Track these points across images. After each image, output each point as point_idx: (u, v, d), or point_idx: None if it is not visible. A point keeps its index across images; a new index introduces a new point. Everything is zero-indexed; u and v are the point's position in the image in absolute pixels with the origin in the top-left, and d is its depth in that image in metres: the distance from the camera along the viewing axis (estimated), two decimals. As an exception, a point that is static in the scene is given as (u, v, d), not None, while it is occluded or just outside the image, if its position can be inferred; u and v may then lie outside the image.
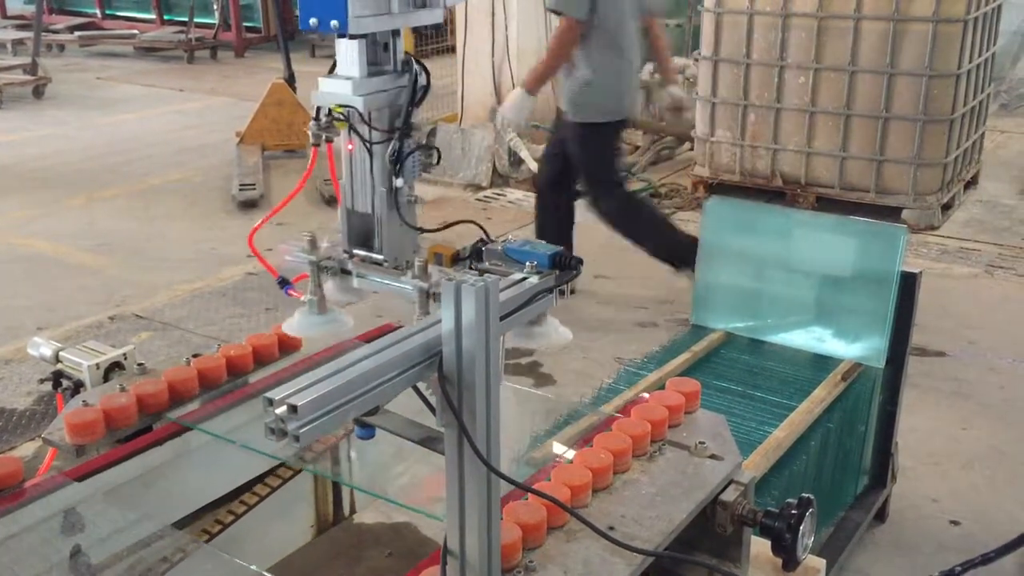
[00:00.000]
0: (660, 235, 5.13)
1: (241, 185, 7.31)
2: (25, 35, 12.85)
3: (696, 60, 7.56)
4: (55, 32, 14.52)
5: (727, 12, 6.68)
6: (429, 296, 1.84)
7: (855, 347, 3.16)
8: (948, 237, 6.33)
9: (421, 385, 1.58)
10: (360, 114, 1.88)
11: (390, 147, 1.95)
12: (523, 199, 7.29)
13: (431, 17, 1.94)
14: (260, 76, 11.46)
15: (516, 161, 7.43)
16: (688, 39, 11.27)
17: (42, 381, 2.41)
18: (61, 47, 14.28)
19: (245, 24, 14.21)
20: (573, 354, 4.74)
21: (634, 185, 7.47)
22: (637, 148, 8.40)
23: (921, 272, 3.11)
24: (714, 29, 6.77)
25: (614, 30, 4.74)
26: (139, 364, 2.38)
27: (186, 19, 13.95)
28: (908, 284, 3.07)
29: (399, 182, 1.96)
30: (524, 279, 1.79)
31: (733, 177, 6.99)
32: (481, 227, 1.96)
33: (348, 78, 1.87)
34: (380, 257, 1.99)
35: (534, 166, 7.29)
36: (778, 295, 3.31)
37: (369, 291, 1.99)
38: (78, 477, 1.94)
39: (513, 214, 6.95)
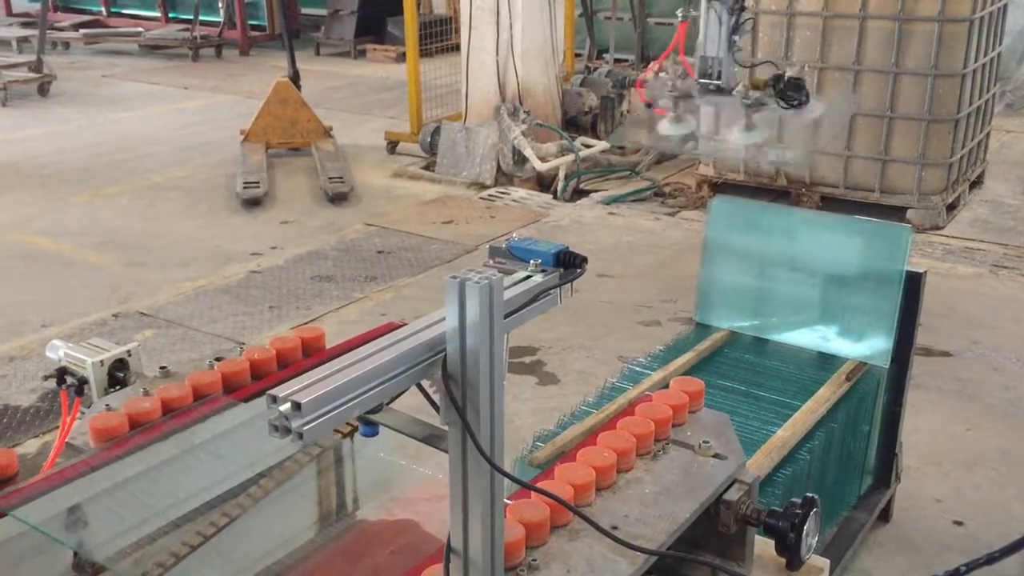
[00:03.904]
0: None
1: (245, 183, 7.32)
2: (30, 33, 12.87)
3: (701, 59, 7.53)
4: (60, 30, 14.53)
5: (732, 11, 6.67)
6: (749, 106, 2.82)
7: (859, 347, 3.16)
8: (953, 237, 6.32)
9: (425, 383, 1.58)
10: None
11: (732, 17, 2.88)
12: (527, 197, 7.29)
13: None
14: (265, 74, 11.47)
15: (520, 160, 7.43)
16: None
17: (46, 378, 2.41)
18: (66, 45, 14.30)
19: (250, 22, 14.22)
20: (576, 353, 4.75)
21: (639, 184, 7.49)
22: (641, 147, 8.40)
23: (926, 272, 3.11)
24: (719, 28, 6.75)
25: None
26: (162, 367, 2.37)
27: (191, 17, 13.96)
28: (913, 284, 3.07)
29: (735, 37, 2.94)
30: (528, 277, 1.78)
31: (738, 176, 6.99)
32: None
33: None
34: (720, 83, 2.89)
35: (539, 164, 7.30)
36: (782, 294, 3.31)
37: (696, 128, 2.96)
38: (78, 475, 1.94)
39: (517, 212, 6.95)
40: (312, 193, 7.45)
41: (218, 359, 2.35)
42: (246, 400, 2.22)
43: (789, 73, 2.94)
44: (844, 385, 3.02)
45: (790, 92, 2.91)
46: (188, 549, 2.05)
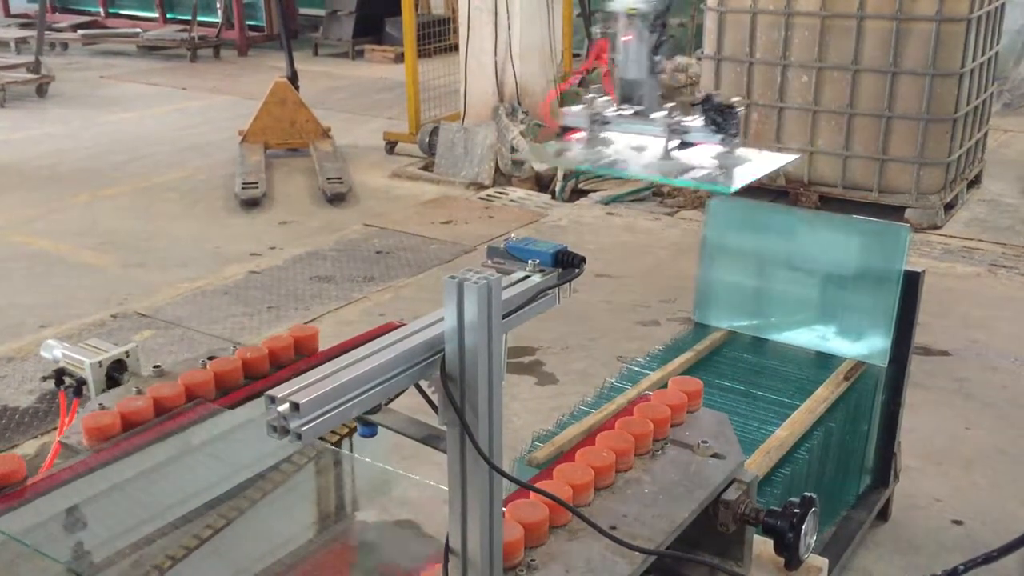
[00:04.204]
0: None
1: (244, 183, 7.32)
2: (29, 34, 12.87)
3: (699, 59, 7.55)
4: (59, 31, 14.53)
5: (730, 11, 6.67)
6: (670, 131, 2.64)
7: (858, 346, 3.16)
8: (951, 236, 6.32)
9: (423, 383, 1.58)
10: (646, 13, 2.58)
11: (654, 35, 2.66)
12: (525, 198, 7.29)
13: None
14: (263, 75, 11.46)
15: (518, 160, 7.43)
16: (691, 38, 11.27)
17: (44, 379, 2.40)
18: (64, 46, 14.29)
19: (248, 23, 14.22)
20: (575, 353, 4.75)
21: (637, 184, 7.48)
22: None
23: (924, 271, 3.11)
24: (717, 28, 6.76)
25: None
26: (155, 366, 2.35)
27: (189, 18, 13.96)
28: (911, 283, 3.07)
29: (658, 57, 2.72)
30: (526, 277, 1.78)
31: (736, 176, 6.98)
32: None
33: None
34: (641, 107, 2.72)
35: (537, 165, 7.30)
36: (781, 294, 3.31)
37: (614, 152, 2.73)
38: (79, 475, 1.94)
39: (515, 213, 6.95)
40: (311, 193, 7.45)
41: (211, 358, 2.33)
42: (235, 405, 2.21)
43: (720, 100, 2.77)
44: (842, 384, 3.02)
45: (718, 117, 2.66)
46: (184, 551, 2.05)
